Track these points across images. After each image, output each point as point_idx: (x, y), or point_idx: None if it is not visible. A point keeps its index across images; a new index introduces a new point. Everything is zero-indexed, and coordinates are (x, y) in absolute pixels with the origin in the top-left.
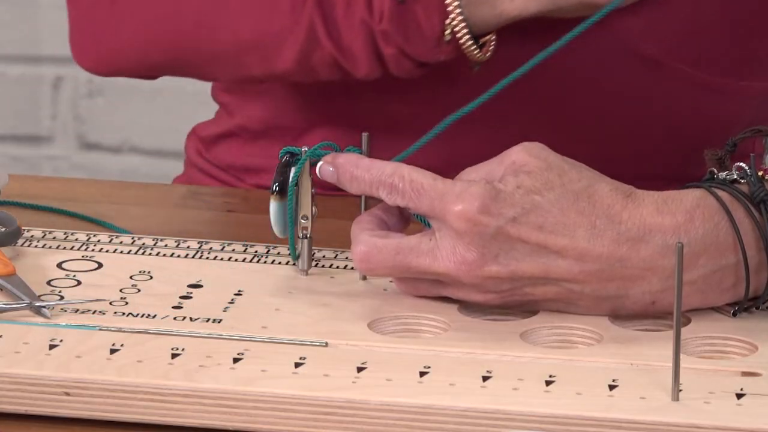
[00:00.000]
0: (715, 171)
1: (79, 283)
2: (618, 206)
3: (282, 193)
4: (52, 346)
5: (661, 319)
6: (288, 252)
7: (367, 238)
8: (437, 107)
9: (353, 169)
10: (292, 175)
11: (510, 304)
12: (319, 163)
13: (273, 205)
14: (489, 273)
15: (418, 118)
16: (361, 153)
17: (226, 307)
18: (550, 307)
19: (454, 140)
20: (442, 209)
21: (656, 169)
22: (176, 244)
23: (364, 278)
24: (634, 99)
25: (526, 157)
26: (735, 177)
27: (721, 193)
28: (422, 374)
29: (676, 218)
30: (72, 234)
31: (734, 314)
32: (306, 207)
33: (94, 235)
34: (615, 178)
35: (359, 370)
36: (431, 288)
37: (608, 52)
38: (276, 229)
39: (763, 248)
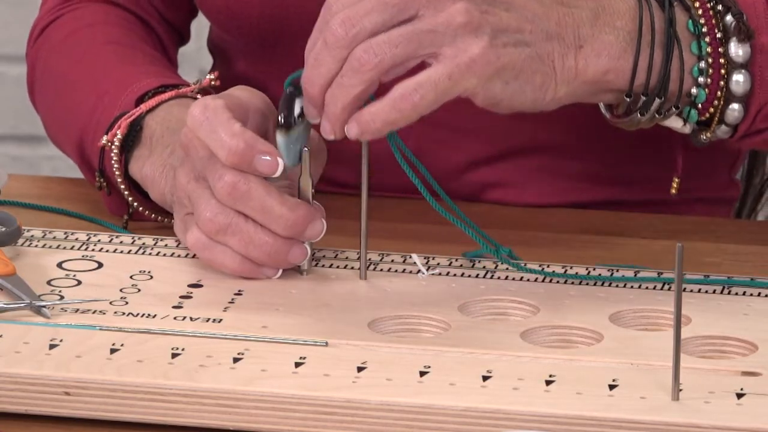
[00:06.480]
0: None
1: (79, 283)
2: None
3: (287, 125)
4: (52, 346)
5: (661, 319)
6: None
7: None
8: None
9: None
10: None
11: (476, 27)
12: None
13: (279, 138)
14: None
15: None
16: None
17: (226, 307)
18: (513, 58)
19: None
20: None
21: (647, 158)
22: (176, 244)
23: (365, 277)
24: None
25: None
26: None
27: None
28: (422, 374)
29: None
30: (72, 234)
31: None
32: None
33: (94, 235)
34: (604, 169)
35: (359, 370)
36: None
37: None
38: (284, 161)
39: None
